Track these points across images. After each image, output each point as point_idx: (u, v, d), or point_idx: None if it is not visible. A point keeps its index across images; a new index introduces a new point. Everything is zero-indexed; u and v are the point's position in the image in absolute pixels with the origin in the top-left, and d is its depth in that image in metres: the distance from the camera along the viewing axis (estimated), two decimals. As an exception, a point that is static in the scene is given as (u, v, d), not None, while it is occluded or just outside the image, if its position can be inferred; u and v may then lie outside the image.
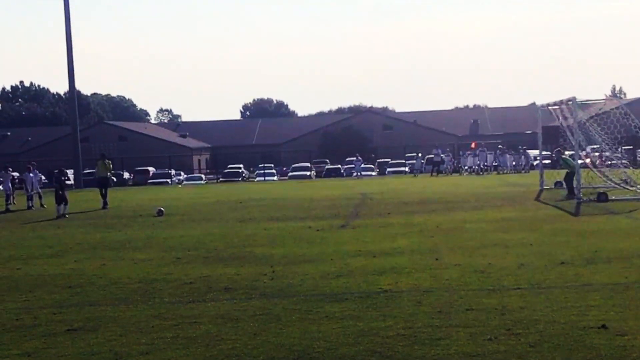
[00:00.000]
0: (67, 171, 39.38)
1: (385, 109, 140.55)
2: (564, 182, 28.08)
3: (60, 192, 26.80)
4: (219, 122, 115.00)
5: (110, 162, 33.25)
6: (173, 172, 70.43)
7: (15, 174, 35.53)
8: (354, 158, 64.77)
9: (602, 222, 17.89)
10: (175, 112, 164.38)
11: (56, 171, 29.47)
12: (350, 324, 8.48)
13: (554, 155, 30.44)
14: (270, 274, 12.06)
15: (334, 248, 14.89)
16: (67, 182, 34.65)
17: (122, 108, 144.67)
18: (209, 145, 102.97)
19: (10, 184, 33.44)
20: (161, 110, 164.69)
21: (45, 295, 11.23)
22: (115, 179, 36.10)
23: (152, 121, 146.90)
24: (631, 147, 46.07)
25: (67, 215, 26.29)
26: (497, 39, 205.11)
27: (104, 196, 30.83)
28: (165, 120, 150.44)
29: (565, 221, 18.73)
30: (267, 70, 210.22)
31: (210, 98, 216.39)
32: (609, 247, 13.42)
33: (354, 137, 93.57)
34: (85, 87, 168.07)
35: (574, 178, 26.02)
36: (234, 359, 7.33)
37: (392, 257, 13.30)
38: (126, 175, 73.08)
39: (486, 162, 57.66)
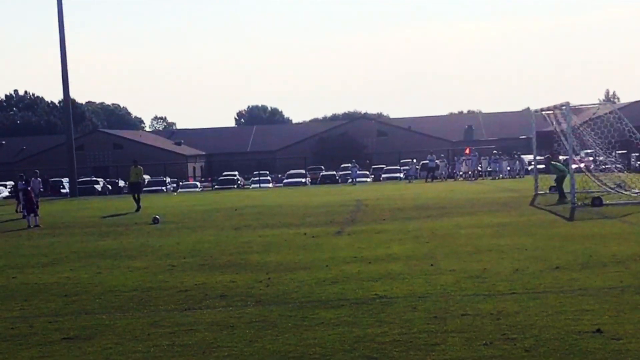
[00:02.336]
0: (62, 180, 39.39)
1: (379, 115, 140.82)
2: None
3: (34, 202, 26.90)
4: (213, 130, 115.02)
5: (141, 168, 35.20)
6: (168, 179, 70.38)
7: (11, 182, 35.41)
8: (350, 164, 64.80)
9: (596, 227, 17.93)
10: (169, 119, 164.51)
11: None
12: (346, 330, 8.49)
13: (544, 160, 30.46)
14: (265, 281, 12.06)
15: (329, 254, 14.90)
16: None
17: (116, 116, 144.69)
18: (204, 153, 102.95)
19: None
20: (156, 118, 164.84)
21: (41, 304, 11.22)
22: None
23: (147, 129, 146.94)
24: (625, 151, 46.17)
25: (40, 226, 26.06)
26: (491, 45, 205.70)
27: (137, 200, 32.79)
28: (160, 128, 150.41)
29: (560, 226, 18.76)
30: (261, 78, 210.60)
31: (204, 105, 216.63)
32: (604, 252, 13.45)
33: (349, 144, 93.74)
34: (79, 95, 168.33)
35: (563, 183, 26.16)
36: (230, 366, 7.33)
37: (387, 263, 13.31)
38: (121, 183, 73.03)
39: (481, 167, 57.76)
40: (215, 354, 7.78)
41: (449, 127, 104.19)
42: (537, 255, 13.41)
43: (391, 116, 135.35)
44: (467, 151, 61.68)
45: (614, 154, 30.10)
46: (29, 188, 27.95)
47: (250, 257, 15.17)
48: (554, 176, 28.53)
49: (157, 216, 25.82)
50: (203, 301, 10.70)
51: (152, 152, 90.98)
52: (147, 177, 68.52)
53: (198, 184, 75.06)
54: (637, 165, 46.92)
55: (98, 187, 67.93)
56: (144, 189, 41.48)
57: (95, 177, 74.29)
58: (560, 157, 29.94)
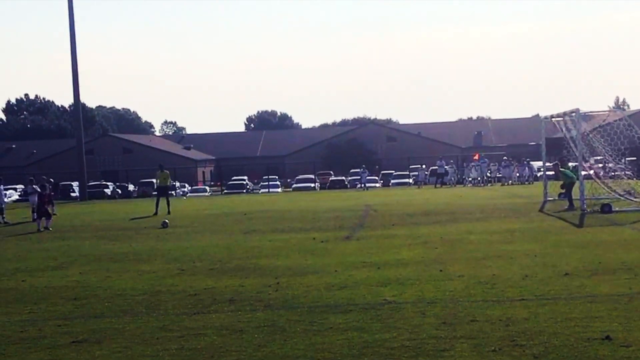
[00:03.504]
0: (72, 184, 39.65)
1: (389, 121, 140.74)
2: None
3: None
4: (223, 134, 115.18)
5: (168, 172, 35.80)
6: (177, 184, 70.53)
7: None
8: (360, 169, 64.78)
9: (606, 233, 17.88)
10: (179, 124, 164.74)
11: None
12: (355, 335, 8.49)
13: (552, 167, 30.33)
14: (274, 286, 12.07)
15: (338, 259, 14.91)
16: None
17: (126, 120, 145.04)
18: (214, 158, 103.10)
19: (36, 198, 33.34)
20: (166, 123, 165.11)
21: (50, 307, 11.26)
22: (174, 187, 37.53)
23: (157, 133, 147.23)
24: (634, 158, 45.99)
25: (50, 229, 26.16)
26: (501, 51, 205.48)
27: (167, 204, 33.12)
28: (170, 133, 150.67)
29: (570, 232, 18.73)
30: (271, 83, 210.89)
31: (214, 110, 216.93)
32: (613, 258, 13.42)
33: (358, 149, 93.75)
34: (90, 99, 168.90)
35: (572, 190, 26.08)
36: (238, 371, 7.35)
37: (396, 269, 13.31)
38: (131, 187, 73.25)
39: (490, 173, 57.70)
40: (224, 358, 7.80)
41: (459, 133, 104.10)
42: (547, 262, 13.38)
43: (401, 122, 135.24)
44: (476, 157, 61.60)
45: (623, 160, 30.02)
46: (44, 193, 28.00)
47: (260, 262, 15.19)
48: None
49: (166, 220, 25.89)
50: (212, 305, 10.72)
51: (161, 156, 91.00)
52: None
53: (207, 188, 75.24)
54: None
55: (108, 191, 68.15)
56: (154, 192, 41.84)
57: (105, 181, 74.49)
58: (570, 164, 29.85)
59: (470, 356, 7.43)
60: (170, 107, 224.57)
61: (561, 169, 28.27)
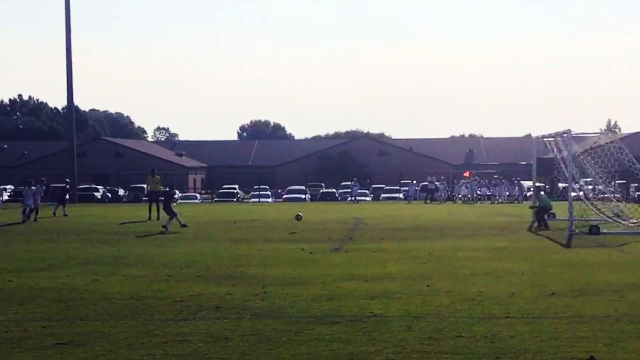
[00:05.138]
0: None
1: (381, 135, 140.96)
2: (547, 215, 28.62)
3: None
4: (215, 142, 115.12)
5: (159, 177, 35.42)
6: (168, 189, 70.32)
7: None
8: (351, 182, 64.79)
9: (593, 255, 17.95)
10: (172, 130, 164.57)
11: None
12: (340, 347, 8.50)
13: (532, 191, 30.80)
14: (261, 295, 12.07)
15: (326, 271, 14.92)
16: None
17: (119, 125, 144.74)
18: (205, 165, 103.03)
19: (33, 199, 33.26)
20: (158, 129, 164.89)
21: (36, 308, 11.23)
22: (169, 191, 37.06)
23: (149, 139, 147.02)
24: (624, 181, 46.20)
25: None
26: (495, 70, 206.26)
27: (157, 210, 32.44)
28: (162, 139, 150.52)
29: (557, 252, 18.79)
30: (265, 93, 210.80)
31: (207, 118, 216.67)
32: (600, 280, 13.48)
33: (350, 162, 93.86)
34: (83, 102, 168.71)
35: (544, 215, 26.61)
36: (222, 378, 7.34)
37: (383, 282, 13.33)
38: (121, 191, 73.10)
39: (480, 191, 57.85)
40: (209, 365, 7.80)
41: (450, 149, 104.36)
42: (533, 281, 13.43)
43: (393, 136, 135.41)
44: (467, 175, 61.83)
45: (613, 183, 30.15)
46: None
47: (247, 270, 15.19)
48: (553, 203, 28.78)
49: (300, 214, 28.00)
50: (198, 312, 10.72)
51: (153, 162, 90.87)
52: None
53: (198, 195, 75.11)
54: (635, 195, 46.96)
55: (98, 194, 67.98)
56: (144, 198, 41.94)
57: (96, 184, 74.29)
58: (560, 185, 30.03)
59: (454, 371, 7.45)
60: (163, 113, 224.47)
61: (540, 193, 28.89)
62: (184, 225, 26.60)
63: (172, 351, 8.39)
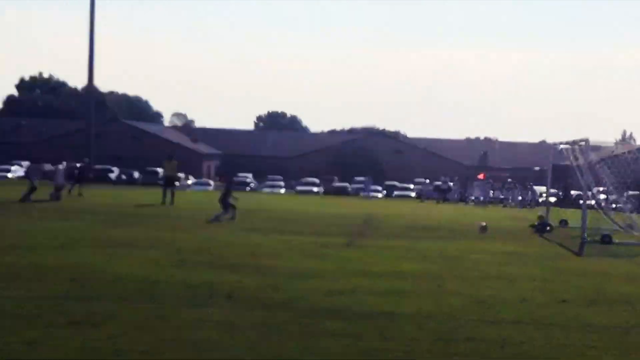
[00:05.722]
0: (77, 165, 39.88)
1: (397, 133, 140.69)
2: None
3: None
4: (231, 131, 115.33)
5: (176, 162, 35.21)
6: (182, 175, 70.60)
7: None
8: (364, 178, 64.77)
9: (605, 264, 17.88)
10: (189, 116, 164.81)
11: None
12: (350, 342, 8.52)
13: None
14: (273, 286, 12.10)
15: (338, 265, 14.94)
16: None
17: (137, 108, 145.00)
18: (220, 152, 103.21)
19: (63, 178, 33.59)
20: (175, 114, 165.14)
21: (49, 286, 11.31)
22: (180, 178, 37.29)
23: (166, 124, 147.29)
24: (638, 192, 45.94)
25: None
26: (512, 75, 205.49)
27: (172, 195, 32.46)
28: (179, 124, 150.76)
29: (569, 260, 18.73)
30: (284, 84, 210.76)
31: (225, 106, 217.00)
32: (612, 290, 13.43)
33: (365, 158, 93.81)
34: (103, 84, 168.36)
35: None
36: (232, 366, 7.38)
37: (395, 280, 13.34)
38: (136, 174, 73.33)
39: (493, 194, 57.70)
40: (218, 353, 7.84)
41: (465, 151, 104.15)
42: (545, 287, 13.40)
43: (408, 135, 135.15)
44: (481, 177, 61.65)
45: (626, 194, 30.00)
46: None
47: (260, 261, 15.22)
48: (567, 210, 28.69)
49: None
50: (209, 299, 10.76)
51: (168, 146, 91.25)
52: (160, 171, 69.07)
53: (211, 182, 75.29)
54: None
55: (113, 175, 68.21)
56: (159, 181, 42.02)
57: (111, 166, 74.57)
58: (572, 192, 29.93)
59: (463, 374, 7.46)
60: (181, 98, 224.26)
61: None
62: (231, 219, 25.08)
63: (184, 337, 8.43)
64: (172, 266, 13.85)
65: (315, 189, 68.57)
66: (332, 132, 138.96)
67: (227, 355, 7.78)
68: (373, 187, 65.27)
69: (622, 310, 11.41)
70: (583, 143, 26.74)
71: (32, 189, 30.85)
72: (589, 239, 23.84)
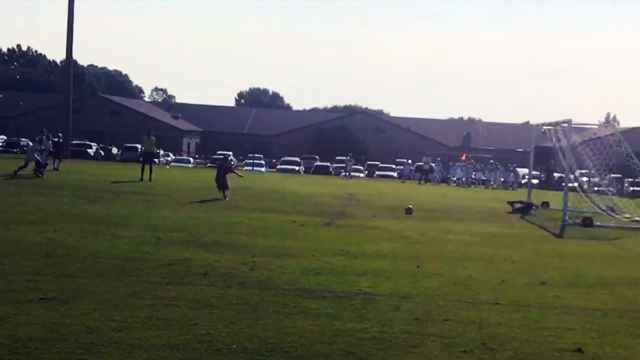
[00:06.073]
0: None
1: (380, 112, 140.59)
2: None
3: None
4: (212, 107, 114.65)
5: (154, 138, 35.15)
6: (162, 152, 70.17)
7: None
8: (346, 158, 64.62)
9: (585, 247, 17.90)
10: (170, 92, 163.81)
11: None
12: (327, 322, 8.41)
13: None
14: (250, 264, 11.97)
15: (316, 245, 14.82)
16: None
17: (117, 82, 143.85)
18: (200, 130, 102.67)
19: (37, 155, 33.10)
20: (156, 89, 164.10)
21: (22, 261, 11.12)
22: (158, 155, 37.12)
23: (146, 99, 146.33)
24: (620, 175, 46.14)
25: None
26: (497, 56, 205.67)
27: (150, 171, 32.53)
28: (159, 100, 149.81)
29: (549, 242, 18.73)
30: (266, 61, 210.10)
31: (206, 82, 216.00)
32: (591, 272, 13.41)
33: (347, 137, 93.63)
34: (82, 57, 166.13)
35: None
36: (206, 345, 7.25)
37: (373, 260, 13.24)
38: (114, 150, 72.82)
39: (475, 175, 57.79)
40: (193, 331, 7.70)
41: (448, 131, 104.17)
42: (524, 269, 13.35)
43: (391, 114, 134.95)
44: (464, 158, 61.70)
45: (608, 176, 30.07)
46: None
47: (238, 239, 15.08)
48: (547, 192, 28.72)
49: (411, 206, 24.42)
50: (185, 277, 10.62)
51: (148, 122, 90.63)
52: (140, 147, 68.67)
53: (191, 159, 74.94)
54: (630, 190, 46.91)
55: (91, 151, 67.70)
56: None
57: (90, 141, 73.96)
58: (555, 175, 30.00)
59: (440, 355, 7.37)
60: (162, 74, 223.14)
61: None
62: (223, 198, 25.04)
63: (158, 315, 8.29)
64: (148, 243, 13.67)
65: (296, 168, 68.35)
66: (314, 110, 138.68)
67: (202, 332, 7.64)
68: (354, 166, 65.14)
69: (600, 292, 11.39)
70: (566, 125, 26.75)
71: (23, 167, 30.70)
72: (570, 221, 23.90)
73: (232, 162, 28.86)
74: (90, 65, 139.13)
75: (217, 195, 25.11)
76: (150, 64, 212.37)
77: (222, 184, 25.73)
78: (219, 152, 77.17)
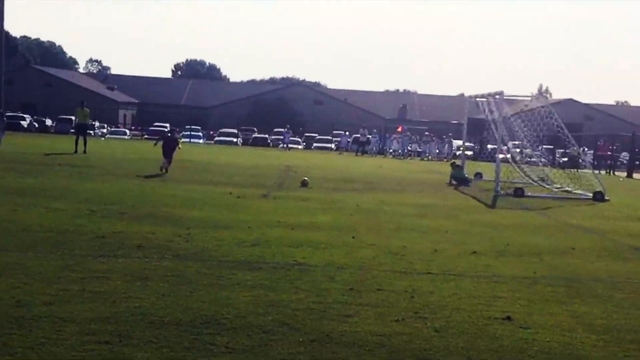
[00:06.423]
0: None
1: (317, 84, 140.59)
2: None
3: None
4: (148, 79, 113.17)
5: (88, 110, 34.77)
6: (97, 124, 69.08)
7: None
8: (284, 129, 64.58)
9: (516, 217, 18.27)
10: (105, 63, 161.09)
11: None
12: (261, 293, 8.45)
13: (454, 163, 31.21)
14: (185, 236, 11.93)
15: (252, 216, 14.83)
16: None
17: (50, 54, 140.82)
18: (137, 101, 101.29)
19: None
20: (91, 61, 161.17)
21: (-50, 235, 10.88)
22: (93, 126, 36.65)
23: (81, 70, 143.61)
24: (552, 146, 47.13)
25: None
26: (431, 28, 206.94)
27: (84, 143, 32.16)
28: (94, 71, 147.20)
29: (481, 212, 19.06)
30: (202, 31, 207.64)
31: (142, 53, 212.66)
32: (521, 242, 13.70)
33: (285, 109, 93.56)
34: (14, 28, 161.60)
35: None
36: (139, 317, 7.22)
37: (309, 231, 13.32)
38: (49, 122, 71.45)
39: (410, 147, 58.39)
40: (126, 304, 7.66)
41: (384, 103, 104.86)
42: (457, 239, 13.58)
43: (328, 86, 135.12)
44: (399, 129, 62.30)
45: (540, 148, 30.69)
46: None
47: (173, 211, 15.00)
48: (481, 163, 29.23)
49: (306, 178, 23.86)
50: (119, 250, 10.53)
51: (83, 94, 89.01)
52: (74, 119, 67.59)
53: (127, 131, 73.97)
54: (561, 161, 48.01)
55: (24, 123, 66.32)
56: (72, 130, 40.99)
57: (23, 113, 72.42)
58: (489, 146, 30.49)
59: (373, 324, 7.47)
60: (96, 44, 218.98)
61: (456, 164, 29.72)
62: (162, 170, 24.56)
63: (90, 287, 8.21)
64: (81, 216, 13.51)
65: (234, 140, 68.07)
66: (252, 82, 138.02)
67: (135, 305, 7.60)
68: (292, 138, 65.17)
69: (530, 261, 11.65)
70: (498, 96, 27.15)
71: None
72: (502, 192, 24.35)
73: (177, 135, 28.11)
74: (23, 37, 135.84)
75: (157, 169, 24.75)
76: (84, 35, 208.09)
77: (168, 157, 25.26)
78: (156, 123, 76.38)
